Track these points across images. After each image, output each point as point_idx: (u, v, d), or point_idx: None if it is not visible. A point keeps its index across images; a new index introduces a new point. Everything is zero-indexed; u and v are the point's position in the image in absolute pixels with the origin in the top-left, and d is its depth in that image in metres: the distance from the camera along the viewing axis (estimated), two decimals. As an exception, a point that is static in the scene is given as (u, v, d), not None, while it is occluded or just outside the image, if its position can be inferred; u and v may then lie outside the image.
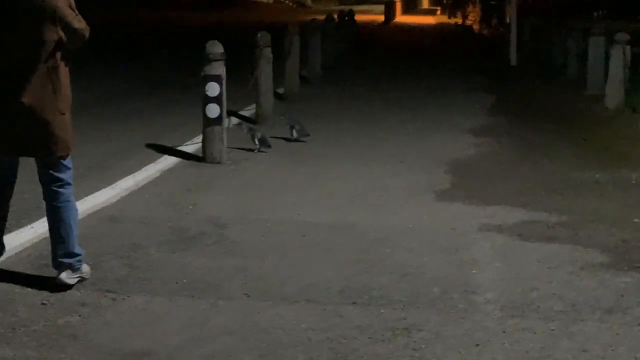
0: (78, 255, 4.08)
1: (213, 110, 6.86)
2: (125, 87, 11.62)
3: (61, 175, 4.03)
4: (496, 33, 23.62)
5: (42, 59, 3.85)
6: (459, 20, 34.21)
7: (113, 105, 9.97)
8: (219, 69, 6.83)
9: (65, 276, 4.02)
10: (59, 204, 4.04)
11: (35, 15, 3.84)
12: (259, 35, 8.83)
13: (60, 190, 4.04)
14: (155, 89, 11.57)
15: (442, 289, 4.14)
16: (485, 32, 26.24)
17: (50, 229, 4.09)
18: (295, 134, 7.97)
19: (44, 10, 3.84)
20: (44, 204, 5.06)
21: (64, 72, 3.95)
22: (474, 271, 4.44)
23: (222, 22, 26.95)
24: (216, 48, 6.85)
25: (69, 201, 4.07)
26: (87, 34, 3.96)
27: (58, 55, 3.90)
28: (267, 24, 14.05)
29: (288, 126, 8.01)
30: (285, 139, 7.90)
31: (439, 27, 33.31)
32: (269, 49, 8.84)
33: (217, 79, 6.81)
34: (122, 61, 14.91)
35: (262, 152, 7.34)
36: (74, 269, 4.05)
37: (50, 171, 4.01)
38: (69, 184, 4.07)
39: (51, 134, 3.92)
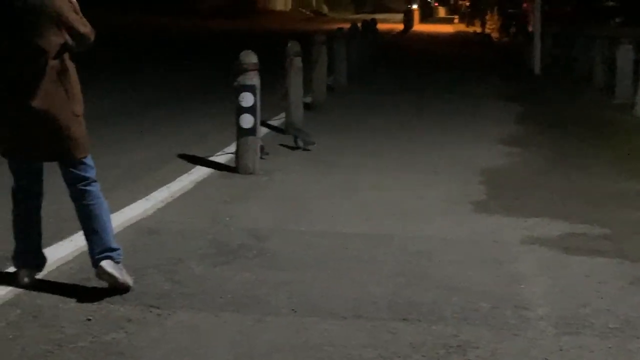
0: (117, 249, 4.04)
1: (247, 121, 6.78)
2: (148, 96, 11.57)
3: (86, 174, 4.01)
4: (516, 41, 23.47)
5: (50, 64, 3.81)
6: (478, 29, 34.06)
7: (139, 114, 9.91)
8: (253, 78, 6.74)
9: (107, 264, 3.96)
10: (89, 202, 4.01)
11: (39, 21, 3.79)
12: (289, 44, 8.75)
13: (88, 188, 4.02)
14: (179, 98, 11.53)
15: (492, 304, 4.03)
16: (504, 40, 26.09)
17: (85, 229, 4.05)
18: (299, 143, 7.90)
19: (47, 14, 3.80)
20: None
21: (73, 74, 3.93)
22: (522, 285, 4.33)
23: (239, 30, 26.91)
24: (250, 58, 6.76)
25: (99, 198, 4.05)
26: (92, 37, 3.96)
27: (66, 57, 3.88)
28: (286, 32, 14.03)
29: (292, 135, 7.91)
30: (290, 147, 7.80)
31: (458, 35, 33.19)
32: (299, 59, 8.76)
33: (251, 89, 6.73)
34: (143, 69, 14.88)
35: (262, 159, 7.21)
36: (115, 260, 4.01)
37: (74, 171, 3.99)
38: (95, 181, 4.05)
39: (68, 137, 3.90)
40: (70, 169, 3.99)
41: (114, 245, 4.05)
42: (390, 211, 5.79)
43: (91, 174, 4.03)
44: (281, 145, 8.04)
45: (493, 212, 5.81)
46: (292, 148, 7.85)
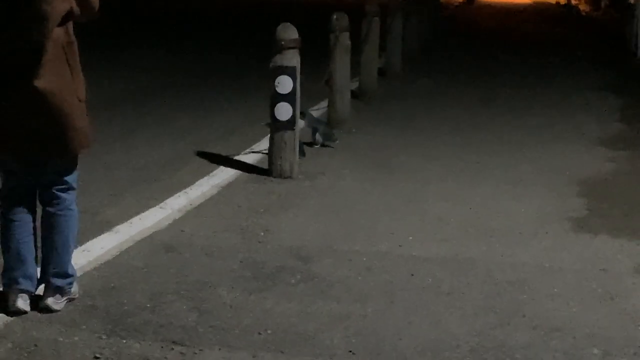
0: (70, 276, 4.15)
1: (284, 111, 6.75)
2: (165, 79, 11.62)
3: (67, 178, 4.08)
4: (610, 16, 23.32)
5: (55, 35, 3.83)
6: (562, 0, 33.91)
7: (152, 101, 9.95)
8: (293, 59, 6.72)
9: (53, 302, 4.10)
10: (59, 211, 4.09)
11: None
12: (335, 17, 8.72)
13: (63, 195, 4.08)
14: (202, 82, 11.56)
15: (604, 350, 3.98)
16: (596, 14, 25.94)
17: (44, 240, 4.13)
18: (318, 138, 7.92)
19: None
20: (95, 219, 4.98)
21: (77, 50, 3.97)
22: (640, 327, 4.28)
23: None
24: (289, 32, 6.74)
25: (71, 209, 4.12)
26: (98, 5, 4.02)
27: (71, 28, 3.92)
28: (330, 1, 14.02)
29: (310, 129, 7.94)
30: (307, 144, 7.78)
31: (537, 7, 33.08)
32: (347, 35, 8.73)
33: (290, 71, 6.70)
34: (156, 45, 14.96)
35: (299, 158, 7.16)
36: (63, 292, 4.12)
37: (56, 172, 4.04)
38: (73, 188, 4.12)
39: (71, 125, 3.93)
40: (53, 169, 4.03)
41: (70, 270, 4.15)
42: (468, 229, 5.74)
43: (72, 178, 4.11)
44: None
45: (598, 233, 5.76)
46: (309, 144, 7.82)
